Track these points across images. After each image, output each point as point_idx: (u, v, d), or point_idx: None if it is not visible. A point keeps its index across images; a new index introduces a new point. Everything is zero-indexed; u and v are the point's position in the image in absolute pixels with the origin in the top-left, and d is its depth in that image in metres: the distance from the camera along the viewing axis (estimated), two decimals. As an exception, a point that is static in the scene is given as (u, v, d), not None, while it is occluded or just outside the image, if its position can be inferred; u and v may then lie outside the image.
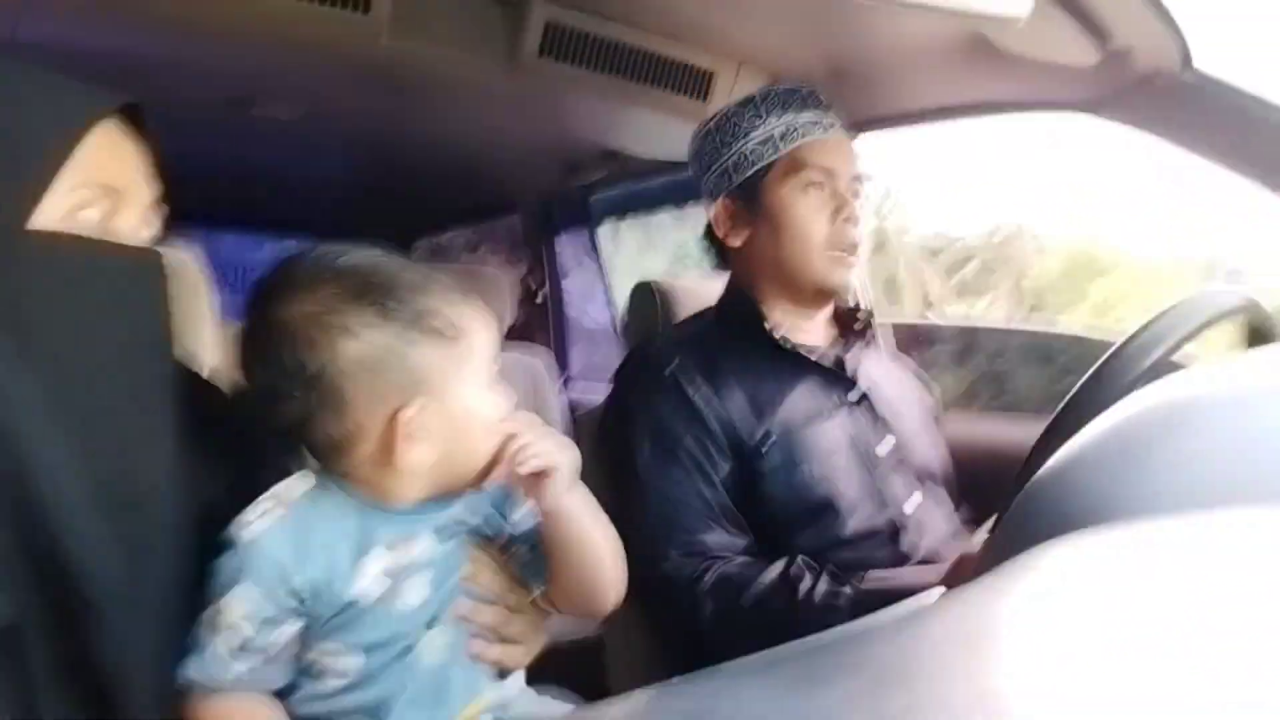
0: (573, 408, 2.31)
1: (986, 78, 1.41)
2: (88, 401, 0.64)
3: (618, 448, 1.20)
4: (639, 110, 1.66)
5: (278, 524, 0.70)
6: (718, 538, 1.13)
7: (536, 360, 2.28)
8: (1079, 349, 1.65)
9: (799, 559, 1.09)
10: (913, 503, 1.20)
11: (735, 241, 1.30)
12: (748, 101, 1.29)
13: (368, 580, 0.70)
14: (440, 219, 2.88)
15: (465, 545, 0.77)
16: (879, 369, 1.33)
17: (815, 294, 1.26)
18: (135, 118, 0.71)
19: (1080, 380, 0.85)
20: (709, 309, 1.34)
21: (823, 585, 1.05)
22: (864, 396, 1.25)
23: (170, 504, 0.69)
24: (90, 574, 0.63)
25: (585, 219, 2.48)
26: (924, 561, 1.16)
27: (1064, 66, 1.30)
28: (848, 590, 1.05)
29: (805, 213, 1.23)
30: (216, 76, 1.52)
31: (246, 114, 1.71)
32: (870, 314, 1.33)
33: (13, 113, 0.65)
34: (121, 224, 0.68)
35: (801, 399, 1.21)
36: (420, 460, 0.71)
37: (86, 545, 0.63)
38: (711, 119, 1.32)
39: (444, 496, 0.76)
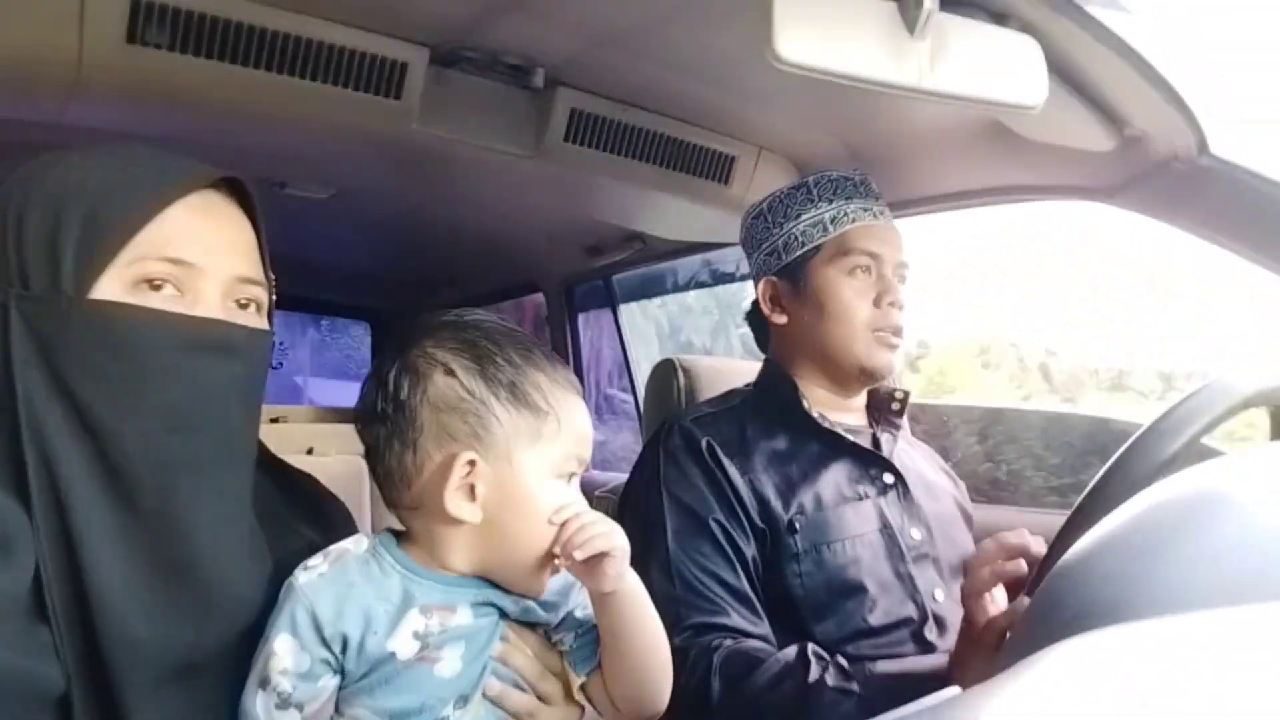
0: (590, 488, 2.29)
1: (1006, 163, 1.42)
2: (135, 472, 0.65)
3: (645, 518, 1.19)
4: (661, 194, 1.69)
5: (322, 578, 0.72)
6: (735, 621, 1.11)
7: None
8: (1100, 432, 1.63)
9: (810, 647, 1.06)
10: (939, 595, 1.18)
11: (779, 320, 1.32)
12: (800, 185, 1.33)
13: (400, 640, 0.71)
14: (465, 298, 2.92)
15: (501, 624, 0.76)
16: (912, 455, 1.33)
17: (858, 376, 1.27)
18: (242, 196, 0.74)
19: (1104, 466, 0.84)
20: (742, 388, 1.35)
21: (833, 673, 1.02)
22: (898, 481, 1.23)
23: (235, 576, 0.70)
24: (135, 644, 0.63)
25: (607, 299, 2.51)
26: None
27: (1080, 152, 1.31)
28: (857, 681, 1.02)
29: (850, 295, 1.25)
30: (252, 158, 1.58)
31: (280, 194, 1.77)
32: (907, 396, 1.33)
33: (103, 186, 0.67)
34: (197, 299, 0.69)
35: (835, 479, 1.20)
36: (465, 514, 0.73)
37: (135, 615, 0.64)
38: (764, 200, 1.36)
39: (493, 584, 0.76)
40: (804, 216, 1.29)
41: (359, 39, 1.26)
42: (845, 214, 1.28)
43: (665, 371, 1.46)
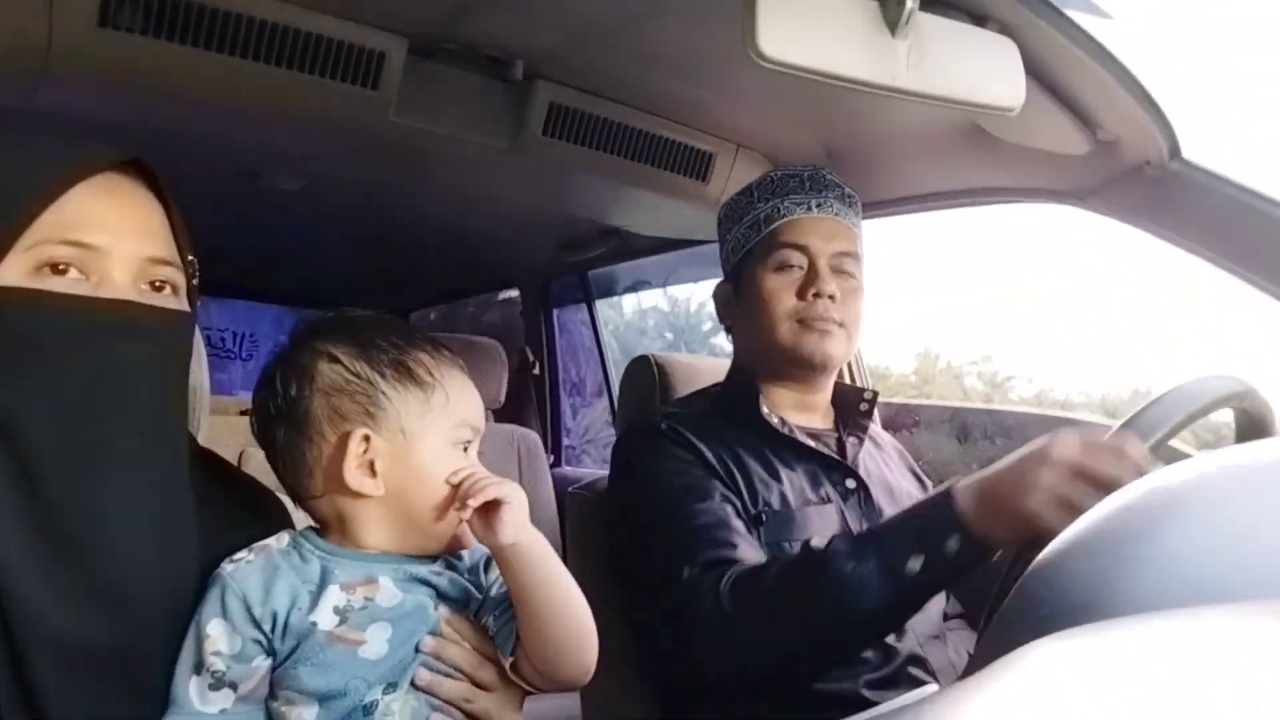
0: (563, 482, 2.29)
1: (981, 165, 1.44)
2: (40, 459, 0.65)
3: (638, 503, 1.19)
4: (639, 189, 1.69)
5: (249, 564, 0.75)
6: (743, 553, 1.08)
7: (530, 435, 2.27)
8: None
9: (811, 540, 1.07)
10: None
11: (728, 323, 1.33)
12: (746, 189, 1.32)
13: (322, 613, 0.73)
14: (440, 290, 2.91)
15: (432, 611, 0.77)
16: (879, 459, 1.33)
17: (792, 365, 1.24)
18: (151, 179, 0.73)
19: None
20: (710, 387, 1.35)
21: (843, 541, 1.00)
22: (860, 487, 1.23)
23: (150, 564, 0.69)
24: (48, 630, 0.63)
25: (583, 294, 2.51)
26: (913, 657, 1.13)
27: (1055, 156, 1.33)
28: (868, 542, 0.99)
29: (773, 287, 1.23)
30: (225, 147, 1.56)
31: (253, 184, 1.75)
32: (875, 396, 1.32)
33: (1, 173, 0.66)
34: (103, 281, 0.68)
35: (799, 481, 1.20)
36: (367, 487, 0.75)
37: (44, 602, 0.64)
38: (722, 207, 1.35)
39: (411, 555, 0.78)
40: (745, 219, 1.29)
41: (337, 27, 1.25)
42: (777, 210, 1.26)
43: (640, 368, 1.46)
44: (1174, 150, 1.27)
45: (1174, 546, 0.53)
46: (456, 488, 0.76)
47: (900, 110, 1.39)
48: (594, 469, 2.58)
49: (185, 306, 0.75)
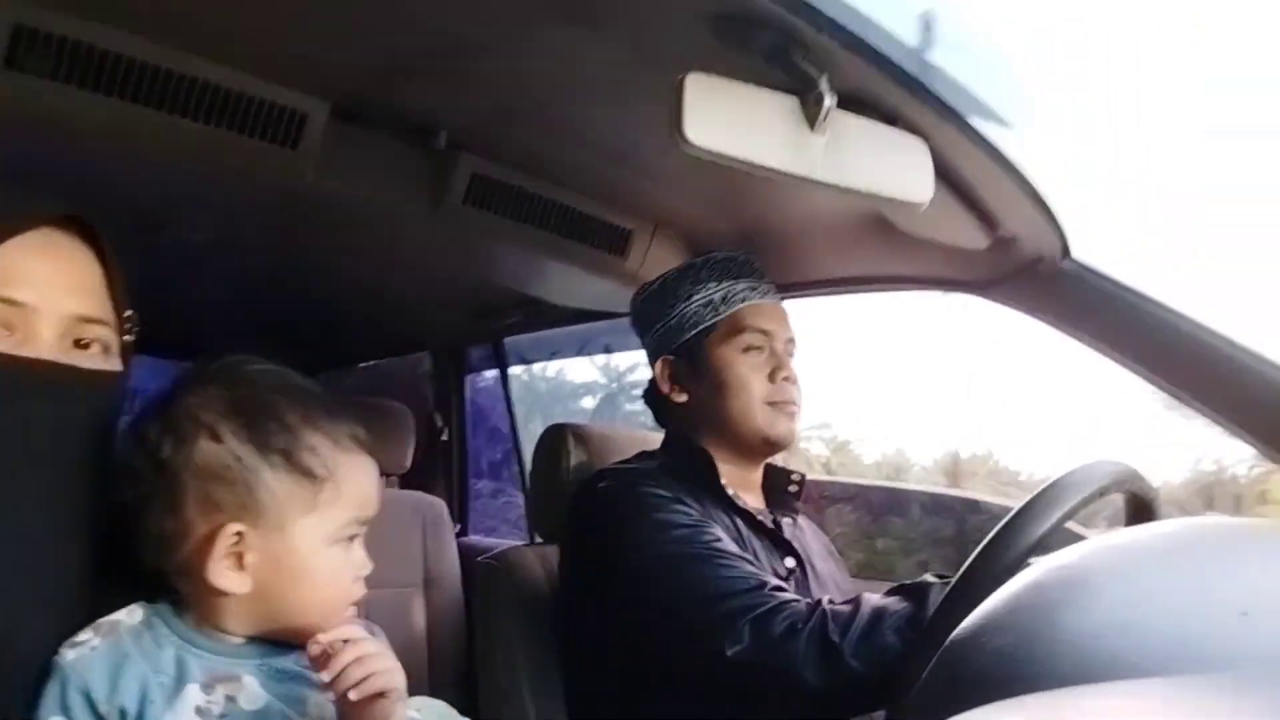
0: (469, 551, 2.23)
1: (887, 254, 1.50)
2: None
3: (620, 561, 1.15)
4: (557, 261, 1.70)
5: (94, 651, 0.67)
6: (778, 593, 1.06)
7: (436, 503, 2.21)
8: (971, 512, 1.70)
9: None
10: None
11: (679, 398, 1.35)
12: (689, 267, 1.38)
13: (181, 716, 0.66)
14: (351, 352, 2.84)
15: (299, 717, 0.71)
16: (807, 538, 1.35)
17: (761, 446, 1.31)
18: (90, 235, 0.71)
19: (977, 550, 0.87)
20: (645, 456, 1.36)
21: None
22: (799, 566, 1.25)
23: (24, 632, 0.66)
24: None
25: (497, 361, 2.49)
26: None
27: (956, 249, 1.39)
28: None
29: (745, 371, 1.29)
30: (130, 195, 1.51)
31: (160, 237, 1.69)
32: (804, 479, 1.36)
33: None
34: (28, 338, 0.66)
35: (757, 556, 1.22)
36: (231, 585, 0.69)
37: None
38: (654, 281, 1.40)
39: (277, 644, 0.72)
40: (695, 297, 1.34)
41: (256, 85, 1.23)
42: (734, 293, 1.33)
43: (555, 438, 1.45)
44: (1065, 249, 1.35)
45: (1078, 625, 0.56)
46: (333, 658, 0.68)
47: (811, 199, 1.44)
48: (501, 539, 2.54)
49: (116, 365, 0.73)
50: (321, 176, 1.32)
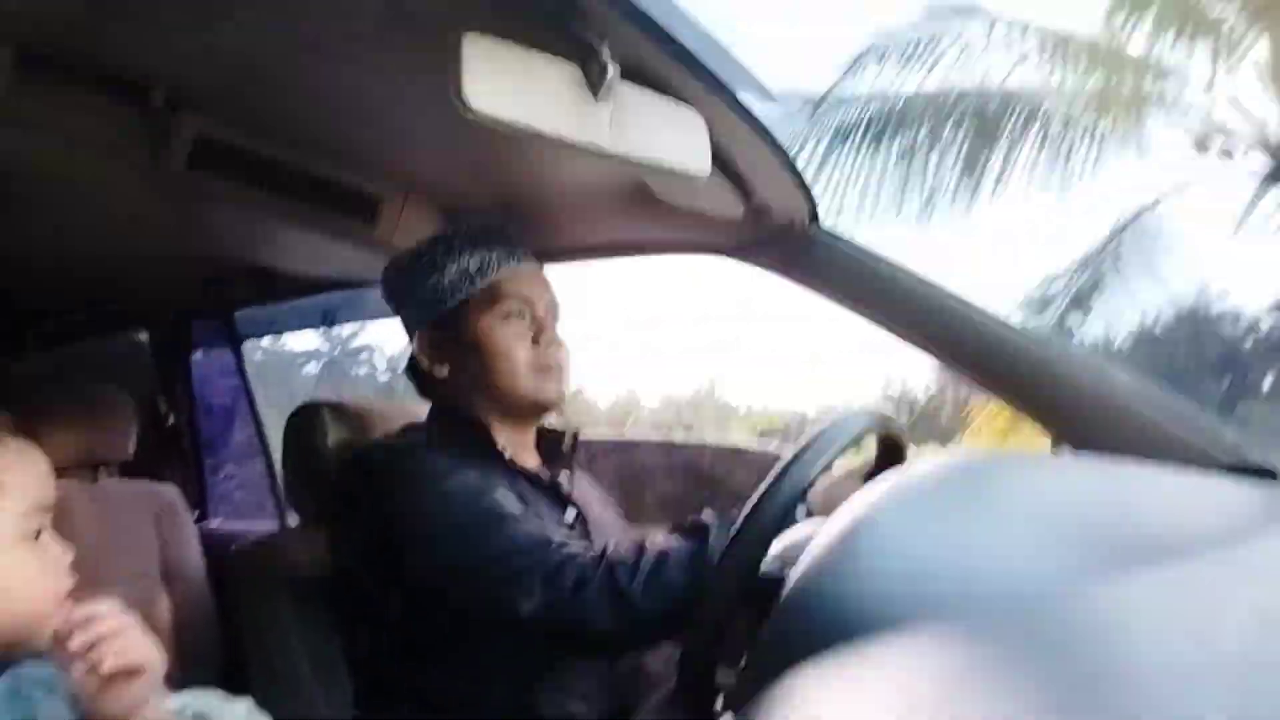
0: (211, 539, 2.04)
1: (647, 221, 1.51)
2: None
3: (400, 534, 1.14)
4: (297, 230, 1.57)
5: None
6: (568, 548, 1.08)
7: (168, 490, 1.99)
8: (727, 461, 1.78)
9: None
10: None
11: (440, 371, 1.31)
12: (440, 238, 1.34)
13: None
14: (56, 332, 2.49)
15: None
16: (586, 492, 1.37)
17: (531, 409, 1.31)
18: None
19: (756, 494, 0.91)
20: (412, 428, 1.32)
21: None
22: (578, 519, 1.28)
23: None
24: None
25: (228, 337, 2.27)
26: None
27: (712, 216, 1.43)
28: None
29: (508, 339, 1.28)
30: None
31: None
32: (576, 433, 1.38)
33: None
34: None
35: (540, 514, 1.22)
36: None
37: None
38: (405, 255, 1.35)
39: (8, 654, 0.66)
40: (450, 267, 1.30)
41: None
42: (490, 262, 1.30)
43: (309, 416, 1.35)
44: (813, 215, 1.43)
45: (875, 566, 0.62)
46: (77, 629, 0.64)
47: (571, 167, 1.43)
48: (249, 523, 2.35)
49: None
50: (10, 136, 1.12)
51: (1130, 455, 1.14)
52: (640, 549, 1.06)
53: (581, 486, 1.40)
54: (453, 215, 1.60)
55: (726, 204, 1.38)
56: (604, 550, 1.07)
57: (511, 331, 1.29)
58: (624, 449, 1.92)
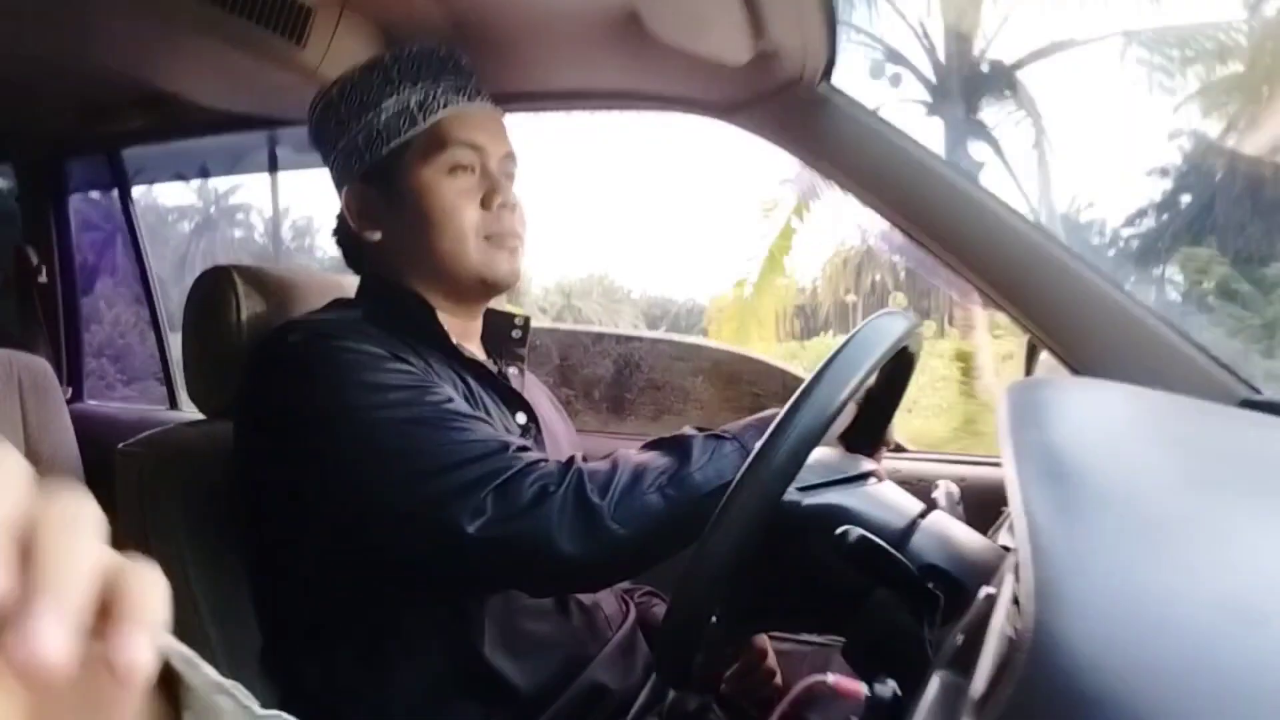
0: (85, 422, 1.77)
1: (632, 65, 1.30)
2: None
3: (322, 434, 0.91)
4: (204, 42, 1.29)
5: None
6: (524, 453, 0.90)
7: (36, 362, 1.70)
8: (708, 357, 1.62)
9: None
10: None
11: (372, 235, 1.07)
12: (375, 65, 1.07)
13: None
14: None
15: None
16: (535, 391, 1.18)
17: (479, 289, 1.07)
18: None
19: (782, 412, 0.75)
20: (340, 304, 1.09)
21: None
22: (531, 422, 1.07)
23: None
24: None
25: (114, 178, 1.96)
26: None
27: (709, 64, 1.23)
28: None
29: (453, 197, 1.04)
30: None
31: None
32: (528, 323, 1.15)
33: None
34: None
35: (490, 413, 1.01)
36: None
37: None
38: (334, 85, 1.08)
39: None
40: (385, 104, 1.05)
41: None
42: (434, 98, 1.05)
43: (216, 282, 1.10)
44: (826, 70, 1.24)
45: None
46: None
47: (546, -12, 1.20)
48: (125, 402, 2.08)
49: None
50: None
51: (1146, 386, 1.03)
52: (615, 464, 0.89)
53: (531, 386, 1.20)
54: (397, 41, 1.34)
55: (731, 46, 1.18)
56: (570, 460, 0.89)
57: (457, 187, 1.04)
58: (565, 340, 1.73)
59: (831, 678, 0.63)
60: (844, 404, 0.75)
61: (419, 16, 1.32)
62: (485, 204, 1.04)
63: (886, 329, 0.83)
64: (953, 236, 1.25)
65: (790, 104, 1.27)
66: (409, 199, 1.04)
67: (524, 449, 0.90)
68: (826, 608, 0.77)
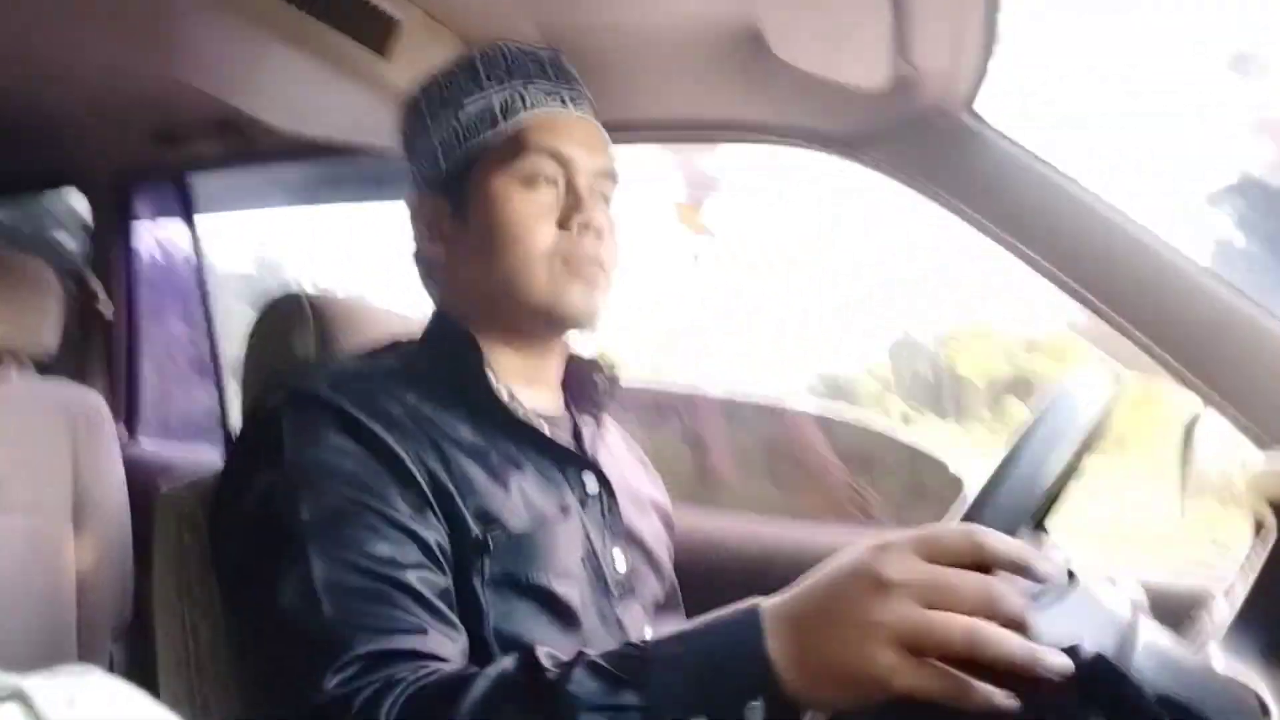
0: (139, 466, 1.64)
1: (748, 92, 1.16)
2: None
3: (265, 516, 0.75)
4: (279, 53, 1.19)
5: None
6: (427, 642, 0.69)
7: (90, 396, 1.56)
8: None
9: (543, 649, 0.65)
10: (649, 635, 0.87)
11: (435, 252, 0.92)
12: (465, 60, 0.93)
13: None
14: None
15: None
16: (611, 448, 1.00)
17: (545, 324, 0.90)
18: None
19: (975, 498, 0.59)
20: (396, 344, 0.93)
21: (585, 671, 0.61)
22: (603, 490, 0.90)
23: None
24: None
25: (182, 206, 1.88)
26: None
27: (839, 89, 1.09)
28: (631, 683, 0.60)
29: (525, 211, 0.87)
30: None
31: None
32: (615, 370, 0.98)
33: None
34: None
35: (532, 484, 0.84)
36: None
37: None
38: (420, 84, 0.95)
39: None
40: (468, 104, 0.91)
41: None
42: (519, 98, 0.91)
43: (286, 313, 0.96)
44: (970, 99, 1.09)
45: None
46: None
47: (657, 2, 1.07)
48: (186, 448, 1.97)
49: None
50: None
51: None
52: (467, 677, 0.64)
53: (611, 442, 1.03)
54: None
55: (866, 69, 1.04)
56: (468, 674, 0.65)
57: (533, 201, 0.88)
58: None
59: None
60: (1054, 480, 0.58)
61: (511, 31, 1.20)
62: (564, 223, 0.88)
63: (1093, 389, 0.67)
64: (1124, 292, 1.07)
65: (926, 136, 1.12)
66: (478, 211, 0.89)
67: (447, 624, 0.72)
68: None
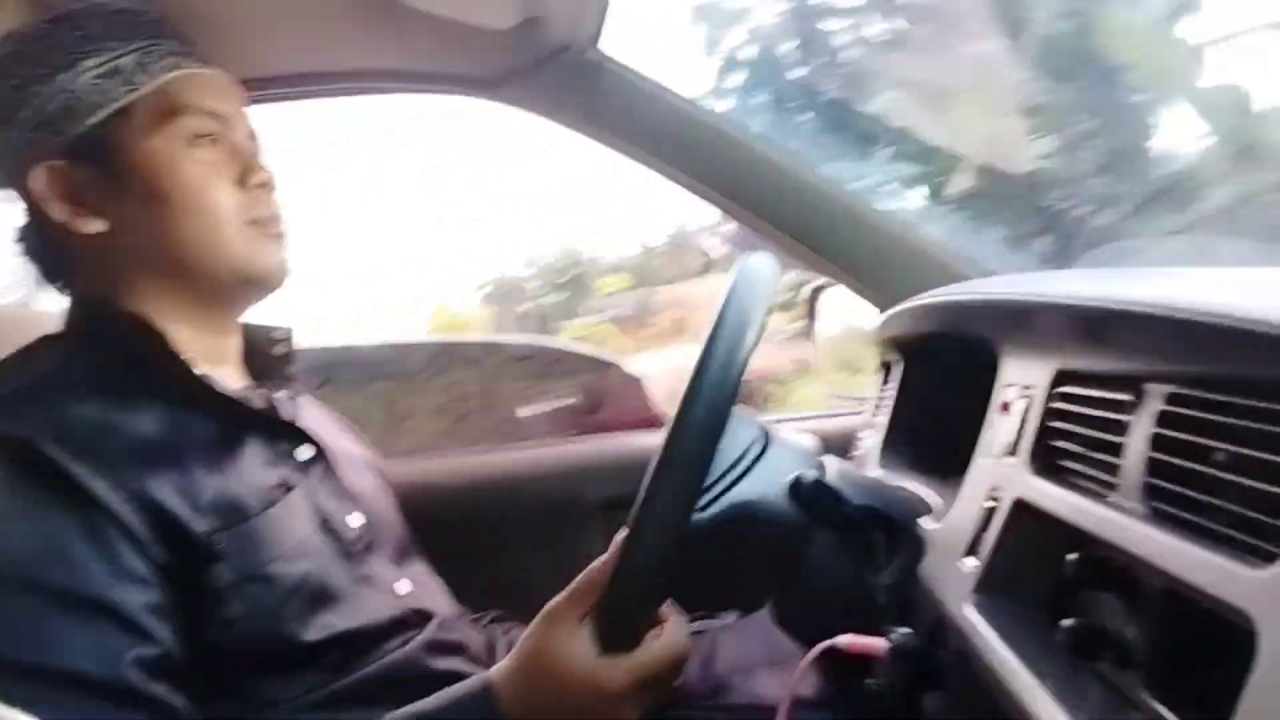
0: None
1: (382, 41, 1.16)
2: None
3: None
4: None
5: None
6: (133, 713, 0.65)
7: None
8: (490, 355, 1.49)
9: None
10: (404, 588, 0.89)
11: (92, 227, 0.83)
12: (63, 19, 0.83)
13: None
14: None
15: None
16: (316, 416, 0.99)
17: (244, 291, 0.87)
18: None
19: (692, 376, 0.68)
20: (46, 342, 0.84)
21: None
22: (319, 452, 0.89)
23: None
24: None
25: None
26: (446, 647, 0.87)
27: (471, 31, 1.13)
28: None
29: (195, 171, 0.83)
30: None
31: None
32: (290, 333, 0.96)
33: None
34: None
35: (247, 466, 0.80)
36: None
37: None
38: (14, 41, 0.83)
39: None
40: (87, 64, 0.82)
41: None
42: (154, 59, 0.85)
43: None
44: (594, 37, 1.19)
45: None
46: None
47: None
48: None
49: None
50: None
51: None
52: None
53: (307, 409, 0.99)
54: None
55: (495, 9, 1.09)
56: None
57: (204, 163, 0.84)
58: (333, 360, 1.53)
59: (844, 640, 0.59)
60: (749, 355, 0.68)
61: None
62: (242, 182, 0.85)
63: (763, 269, 0.78)
64: (739, 190, 1.25)
65: (556, 73, 1.20)
66: (138, 178, 0.82)
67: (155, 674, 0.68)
68: (748, 580, 0.72)
